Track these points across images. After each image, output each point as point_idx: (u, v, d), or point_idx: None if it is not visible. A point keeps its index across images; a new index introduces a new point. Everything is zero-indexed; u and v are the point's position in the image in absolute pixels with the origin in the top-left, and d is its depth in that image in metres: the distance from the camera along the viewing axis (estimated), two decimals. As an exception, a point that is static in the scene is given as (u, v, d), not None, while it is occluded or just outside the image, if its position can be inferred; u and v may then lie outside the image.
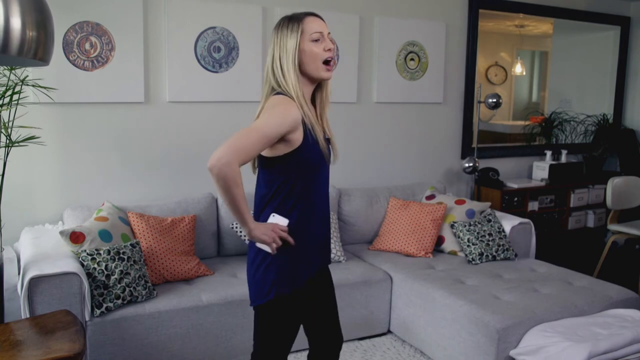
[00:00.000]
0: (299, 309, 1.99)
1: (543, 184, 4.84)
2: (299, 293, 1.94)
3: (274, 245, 1.82)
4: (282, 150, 1.85)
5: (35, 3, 1.79)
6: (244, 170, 1.84)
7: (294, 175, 1.88)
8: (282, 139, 1.83)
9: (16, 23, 1.72)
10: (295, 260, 1.91)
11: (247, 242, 1.83)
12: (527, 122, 5.26)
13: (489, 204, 4.02)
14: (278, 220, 1.86)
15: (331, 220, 3.70)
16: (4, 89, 2.78)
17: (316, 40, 1.89)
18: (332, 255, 3.54)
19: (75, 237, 2.85)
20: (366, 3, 4.17)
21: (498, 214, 4.04)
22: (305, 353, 3.28)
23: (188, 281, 3.19)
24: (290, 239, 1.86)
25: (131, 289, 2.84)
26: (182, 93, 3.64)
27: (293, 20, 1.91)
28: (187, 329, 2.93)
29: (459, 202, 3.98)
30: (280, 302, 1.91)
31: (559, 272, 3.50)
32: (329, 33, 1.94)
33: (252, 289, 1.96)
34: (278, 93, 1.91)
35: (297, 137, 1.84)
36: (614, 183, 4.48)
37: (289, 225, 1.87)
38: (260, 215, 1.92)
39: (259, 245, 1.86)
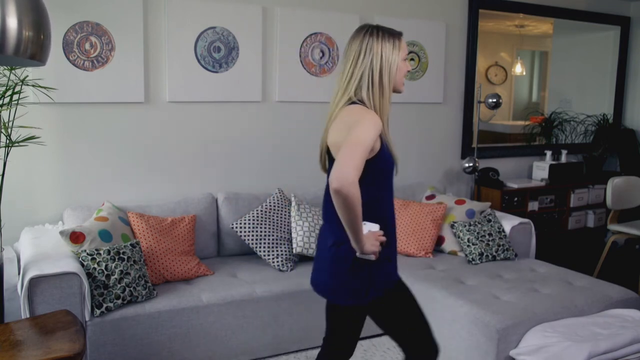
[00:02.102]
0: (385, 311, 2.06)
1: (543, 184, 4.84)
2: (390, 294, 2.01)
3: (377, 253, 1.88)
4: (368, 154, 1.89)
5: (31, 3, 1.79)
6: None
7: (372, 181, 1.92)
8: None
9: (12, 23, 1.72)
10: (384, 263, 1.97)
11: (359, 255, 1.89)
12: (527, 122, 5.26)
13: (489, 204, 4.02)
14: (370, 227, 1.90)
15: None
16: (4, 89, 2.78)
17: (404, 60, 2.01)
18: (332, 255, 3.54)
19: (75, 237, 2.85)
20: (366, 3, 4.17)
21: (498, 214, 4.04)
22: (306, 353, 3.28)
23: (188, 281, 3.19)
24: (385, 243, 1.93)
25: (131, 289, 2.84)
26: (182, 93, 3.64)
27: (393, 36, 1.98)
28: (187, 329, 2.93)
29: (459, 202, 3.98)
30: (372, 304, 1.99)
31: (559, 272, 3.50)
32: None
33: (341, 289, 1.98)
34: (353, 102, 1.95)
35: (377, 145, 1.90)
36: (614, 183, 4.48)
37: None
38: (336, 219, 1.90)
39: (360, 256, 1.89)
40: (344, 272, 1.96)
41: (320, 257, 2.06)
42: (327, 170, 2.05)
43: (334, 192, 1.73)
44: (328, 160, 2.04)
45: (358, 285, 1.95)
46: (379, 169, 1.93)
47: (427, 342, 2.13)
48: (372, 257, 1.88)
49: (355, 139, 1.79)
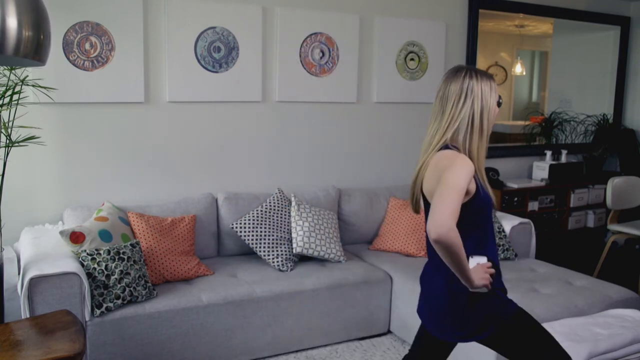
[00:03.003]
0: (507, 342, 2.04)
1: (543, 184, 4.84)
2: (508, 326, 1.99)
3: (489, 284, 1.88)
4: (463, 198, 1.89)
5: (31, 3, 1.79)
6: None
7: (472, 222, 1.92)
8: None
9: (12, 23, 1.72)
10: (496, 295, 1.96)
11: (471, 290, 1.90)
12: (527, 122, 5.26)
13: (489, 204, 4.02)
14: (479, 260, 1.91)
15: (332, 220, 3.71)
16: (4, 89, 2.78)
17: (496, 102, 2.03)
18: (332, 256, 3.54)
19: (75, 237, 2.85)
20: (366, 3, 4.17)
21: (498, 214, 4.03)
22: (306, 353, 3.28)
23: (188, 281, 3.19)
24: (494, 273, 1.92)
25: (131, 289, 2.84)
26: (182, 93, 3.64)
27: (490, 79, 1.98)
28: (187, 329, 2.93)
29: (459, 202, 3.98)
30: (504, 328, 1.97)
31: (559, 272, 3.50)
32: None
33: (467, 326, 1.97)
34: (445, 147, 1.94)
35: (472, 187, 1.89)
36: (614, 183, 4.48)
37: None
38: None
39: (473, 290, 1.89)
40: (461, 308, 1.95)
41: (431, 295, 2.04)
42: (425, 214, 2.05)
43: (433, 242, 1.74)
44: (424, 204, 2.03)
45: (477, 320, 1.94)
46: (477, 210, 1.93)
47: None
48: (485, 290, 1.88)
49: (447, 185, 1.79)
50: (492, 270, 1.90)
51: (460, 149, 1.93)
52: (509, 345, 2.02)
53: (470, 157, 1.92)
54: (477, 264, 1.89)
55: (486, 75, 1.99)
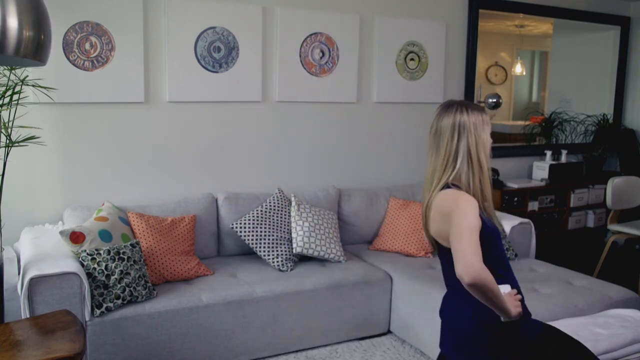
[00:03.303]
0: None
1: (543, 184, 4.84)
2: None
3: (520, 312, 1.89)
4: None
5: (32, 3, 1.79)
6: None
7: (485, 255, 1.88)
8: None
9: (13, 23, 1.72)
10: (524, 320, 1.97)
11: (504, 319, 1.90)
12: (527, 122, 5.26)
13: (489, 203, 4.02)
14: (504, 289, 1.90)
15: (332, 220, 3.70)
16: (4, 89, 2.78)
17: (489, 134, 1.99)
18: (332, 256, 3.54)
19: (75, 237, 2.85)
20: (366, 3, 4.17)
21: (498, 214, 4.03)
22: (306, 353, 3.28)
23: (188, 281, 3.19)
24: (522, 299, 1.95)
25: (131, 289, 2.84)
26: (182, 93, 3.64)
27: (481, 112, 1.96)
28: (187, 329, 2.93)
29: (459, 202, 3.97)
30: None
31: (559, 272, 3.50)
32: None
33: (503, 355, 1.95)
34: (446, 186, 1.93)
35: (479, 222, 1.88)
36: (614, 183, 4.48)
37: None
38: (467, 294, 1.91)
39: (505, 319, 1.88)
40: (495, 337, 1.94)
41: (459, 328, 2.02)
42: (440, 256, 2.06)
43: (469, 287, 1.75)
44: (438, 248, 2.03)
45: (512, 346, 1.94)
46: (486, 241, 1.91)
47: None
48: (518, 318, 1.89)
49: (460, 226, 1.80)
50: (520, 297, 1.92)
51: (463, 187, 1.92)
52: None
53: (474, 195, 1.91)
54: (504, 293, 1.89)
55: (477, 108, 1.97)
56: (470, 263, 1.73)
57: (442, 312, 2.12)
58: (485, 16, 4.71)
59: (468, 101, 2.01)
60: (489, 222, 1.94)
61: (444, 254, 2.00)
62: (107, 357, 2.77)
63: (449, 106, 1.98)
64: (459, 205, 1.84)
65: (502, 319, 1.88)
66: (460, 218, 1.81)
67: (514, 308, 1.86)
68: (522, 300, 1.96)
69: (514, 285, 1.99)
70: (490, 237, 1.93)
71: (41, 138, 3.01)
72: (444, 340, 2.09)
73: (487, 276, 1.74)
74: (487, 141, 1.96)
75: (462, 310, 1.97)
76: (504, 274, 1.97)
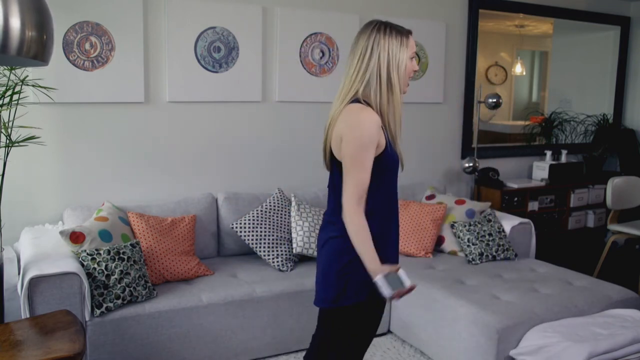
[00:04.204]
0: (376, 315, 2.02)
1: (543, 184, 4.84)
2: (377, 299, 1.93)
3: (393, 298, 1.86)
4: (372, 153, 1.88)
5: (34, 3, 1.79)
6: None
7: (377, 178, 1.90)
8: None
9: (15, 23, 1.72)
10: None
11: (374, 280, 1.86)
12: (527, 122, 5.26)
13: (489, 204, 4.03)
14: (405, 281, 1.87)
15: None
16: (4, 89, 2.78)
17: (411, 58, 1.96)
18: (332, 255, 3.53)
19: (75, 237, 2.85)
20: (366, 3, 4.17)
21: (498, 214, 4.04)
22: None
23: (188, 281, 3.19)
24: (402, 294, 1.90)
25: (131, 289, 2.84)
26: (182, 93, 3.64)
27: (401, 34, 1.93)
28: (187, 329, 2.93)
29: (459, 202, 3.98)
30: (359, 308, 1.94)
31: (559, 272, 3.50)
32: None
33: (328, 290, 1.95)
34: (355, 101, 1.91)
35: (382, 141, 1.89)
36: (614, 183, 4.48)
37: (370, 231, 1.89)
38: (339, 218, 1.91)
39: (376, 281, 1.84)
40: (332, 276, 1.93)
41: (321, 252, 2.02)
42: (330, 170, 2.03)
43: (345, 221, 1.84)
44: (331, 161, 2.01)
45: (342, 290, 1.92)
46: (385, 165, 1.91)
47: None
48: (386, 296, 1.83)
49: (351, 160, 1.83)
50: (404, 294, 1.84)
51: (372, 104, 1.90)
52: (331, 330, 1.99)
53: (381, 113, 1.90)
54: (405, 283, 1.84)
55: (398, 30, 1.93)
56: (352, 210, 1.82)
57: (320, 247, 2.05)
58: (485, 16, 4.71)
59: (392, 23, 1.97)
60: (391, 148, 1.93)
61: (336, 165, 1.97)
62: (107, 357, 2.77)
63: (368, 24, 1.97)
64: (356, 126, 1.84)
65: (374, 279, 1.83)
66: (351, 148, 1.83)
67: (376, 271, 1.80)
68: (388, 247, 1.96)
69: (394, 221, 2.01)
70: (386, 167, 1.93)
71: (41, 138, 3.01)
72: (318, 278, 2.04)
73: (359, 223, 1.81)
74: (403, 62, 1.92)
75: (335, 228, 1.95)
76: (390, 206, 1.98)
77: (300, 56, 3.96)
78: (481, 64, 4.83)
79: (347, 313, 1.94)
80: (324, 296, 1.97)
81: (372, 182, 1.88)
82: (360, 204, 1.83)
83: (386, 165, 1.92)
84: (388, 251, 1.98)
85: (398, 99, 1.92)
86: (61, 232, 2.85)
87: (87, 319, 2.71)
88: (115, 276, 2.80)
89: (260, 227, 3.48)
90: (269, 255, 3.43)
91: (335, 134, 1.92)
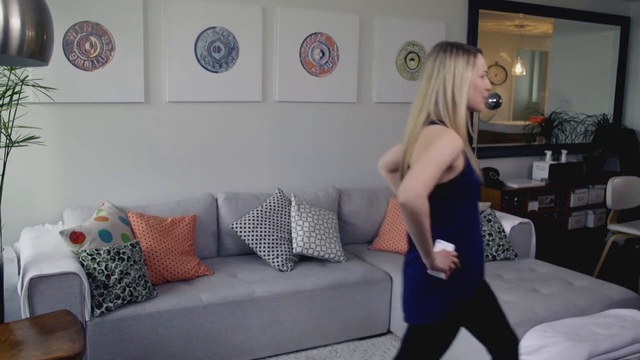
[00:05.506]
0: (458, 327, 2.04)
1: (543, 184, 4.84)
2: (464, 311, 1.98)
3: (449, 272, 1.87)
4: (446, 177, 1.88)
5: (34, 3, 1.79)
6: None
7: (457, 201, 1.92)
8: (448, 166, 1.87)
9: (15, 23, 1.72)
10: (461, 283, 1.95)
11: (429, 271, 1.90)
12: (527, 122, 5.26)
13: (489, 204, 4.02)
14: (445, 246, 1.90)
15: (332, 220, 3.70)
16: (4, 89, 2.78)
17: (482, 77, 1.98)
18: (332, 255, 3.54)
19: (75, 237, 2.85)
20: (366, 3, 4.17)
21: (498, 214, 4.03)
22: (306, 353, 3.28)
23: (188, 281, 3.19)
24: (459, 264, 1.90)
25: (131, 289, 2.84)
26: (182, 93, 3.64)
27: (468, 53, 1.96)
28: (187, 329, 2.93)
29: (459, 202, 3.98)
30: (445, 322, 1.96)
31: (559, 272, 3.50)
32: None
33: (412, 306, 1.99)
34: (433, 122, 1.94)
35: (460, 164, 1.89)
36: (614, 183, 4.48)
37: (456, 249, 1.91)
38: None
39: (431, 272, 1.88)
40: (417, 292, 1.97)
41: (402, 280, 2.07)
42: None
43: (400, 206, 1.75)
44: None
45: (427, 305, 1.95)
46: (465, 187, 1.92)
47: (507, 336, 2.17)
48: (443, 276, 1.87)
49: (427, 156, 1.80)
50: (455, 259, 1.88)
51: (447, 124, 1.92)
52: (416, 343, 2.03)
53: (462, 134, 1.92)
54: (442, 249, 1.88)
55: (465, 49, 1.96)
56: (413, 186, 1.72)
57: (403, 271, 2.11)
58: (485, 16, 4.71)
59: (461, 43, 2.00)
60: (471, 168, 1.93)
61: None
62: (107, 357, 2.77)
63: (436, 46, 2.01)
64: (440, 138, 1.84)
65: (428, 270, 1.87)
66: (432, 149, 1.82)
67: (440, 262, 1.84)
68: (472, 269, 1.94)
69: (477, 245, 1.98)
70: (468, 188, 1.92)
71: (41, 138, 3.01)
72: (403, 301, 2.09)
73: (422, 207, 1.72)
74: (467, 81, 1.93)
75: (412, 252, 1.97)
76: (469, 234, 1.96)
77: (300, 56, 3.96)
78: (481, 64, 4.83)
79: (427, 329, 1.99)
80: (409, 313, 2.03)
81: (452, 205, 1.90)
82: (426, 189, 1.76)
83: (467, 188, 1.93)
84: (470, 274, 1.99)
85: (461, 119, 1.95)
86: (61, 232, 2.85)
87: (87, 319, 2.71)
88: (115, 276, 2.80)
89: (260, 227, 3.48)
90: (269, 255, 3.43)
91: (416, 153, 1.94)
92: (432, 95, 1.95)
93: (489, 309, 2.15)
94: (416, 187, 1.72)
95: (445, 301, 1.93)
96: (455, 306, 1.95)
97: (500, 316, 2.17)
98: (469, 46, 1.99)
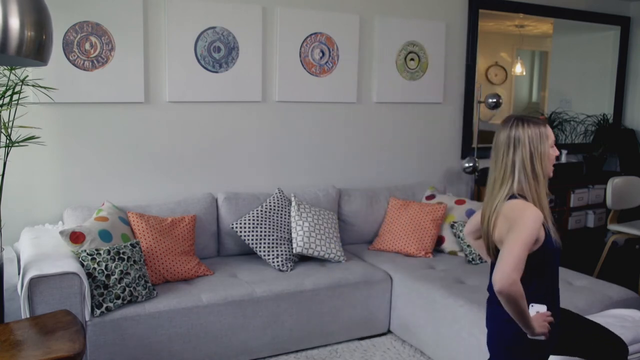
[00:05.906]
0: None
1: (543, 184, 4.84)
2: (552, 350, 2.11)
3: (547, 333, 1.95)
4: (530, 249, 1.94)
5: (33, 3, 1.79)
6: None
7: (541, 269, 2.01)
8: None
9: (14, 23, 1.72)
10: (548, 340, 2.02)
11: (530, 336, 1.98)
12: (527, 122, 5.25)
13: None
14: (538, 308, 1.98)
15: (332, 220, 3.70)
16: (4, 89, 2.78)
17: (552, 147, 2.05)
18: (332, 255, 3.54)
19: (75, 237, 2.85)
20: (366, 3, 4.17)
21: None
22: (306, 353, 3.28)
23: (188, 281, 3.19)
24: (553, 321, 1.99)
25: (131, 289, 2.84)
26: (182, 93, 3.64)
27: (538, 126, 2.01)
28: (187, 329, 2.93)
29: (459, 202, 3.98)
30: None
31: (559, 272, 3.49)
32: None
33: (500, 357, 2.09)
34: (513, 196, 1.99)
35: (541, 235, 1.95)
36: (614, 183, 4.47)
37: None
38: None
39: (531, 337, 1.95)
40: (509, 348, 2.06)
41: (496, 331, 2.12)
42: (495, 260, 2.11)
43: (497, 293, 1.85)
44: (496, 254, 2.07)
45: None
46: (544, 260, 2.00)
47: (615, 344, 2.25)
48: (543, 338, 1.95)
49: (515, 239, 1.87)
50: (551, 319, 1.96)
51: (528, 198, 1.98)
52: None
53: (539, 206, 1.98)
54: (536, 312, 1.96)
55: (535, 123, 2.02)
56: (508, 275, 1.82)
57: (486, 317, 2.18)
58: (485, 16, 4.71)
59: (528, 115, 2.09)
60: (550, 238, 2.00)
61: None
62: (107, 357, 2.77)
63: (506, 121, 2.06)
64: (523, 216, 1.91)
65: (528, 335, 1.94)
66: (518, 231, 1.89)
67: (539, 327, 1.92)
68: (552, 324, 2.00)
69: (555, 312, 2.05)
70: (550, 257, 2.02)
71: (41, 138, 3.01)
72: (489, 342, 2.16)
73: (517, 292, 1.83)
74: (545, 152, 2.00)
75: (502, 313, 2.02)
76: (550, 295, 2.06)
77: (300, 56, 3.96)
78: (481, 64, 4.83)
79: None
80: None
81: (533, 273, 1.96)
82: (518, 274, 1.85)
83: (548, 258, 2.02)
84: (553, 333, 2.05)
85: (543, 189, 2.01)
86: (61, 232, 2.85)
87: (87, 319, 2.71)
88: (115, 276, 2.80)
89: (260, 227, 3.48)
90: (269, 255, 3.43)
91: (499, 230, 1.99)
92: (511, 170, 2.00)
93: (578, 332, 2.24)
94: (509, 274, 1.82)
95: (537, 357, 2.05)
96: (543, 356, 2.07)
97: (595, 331, 2.26)
98: (536, 119, 2.05)
